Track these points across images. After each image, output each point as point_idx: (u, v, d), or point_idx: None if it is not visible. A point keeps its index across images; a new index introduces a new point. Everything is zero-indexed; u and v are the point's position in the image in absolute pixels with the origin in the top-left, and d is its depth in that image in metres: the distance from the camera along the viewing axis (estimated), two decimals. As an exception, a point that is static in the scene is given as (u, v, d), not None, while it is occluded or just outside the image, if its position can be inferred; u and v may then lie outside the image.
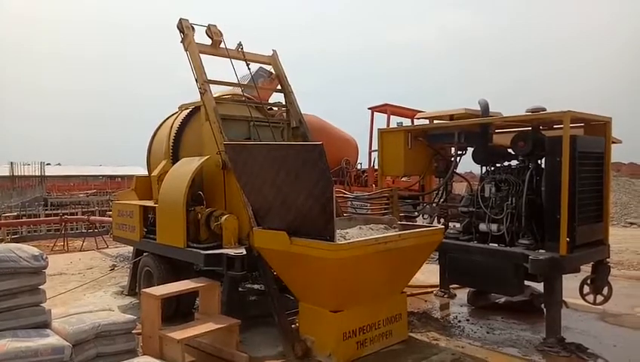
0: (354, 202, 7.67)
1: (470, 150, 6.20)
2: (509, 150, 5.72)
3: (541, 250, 5.08)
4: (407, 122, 10.92)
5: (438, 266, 6.68)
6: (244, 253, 5.11)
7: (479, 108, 5.93)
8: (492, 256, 5.32)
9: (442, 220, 6.60)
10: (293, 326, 4.97)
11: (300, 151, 4.34)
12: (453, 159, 6.47)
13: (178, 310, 5.74)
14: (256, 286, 7.23)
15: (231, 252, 5.14)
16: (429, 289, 7.16)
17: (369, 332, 4.77)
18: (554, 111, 5.05)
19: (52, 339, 3.67)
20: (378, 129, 7.16)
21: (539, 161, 5.49)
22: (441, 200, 6.68)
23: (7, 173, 30.96)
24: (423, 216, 6.86)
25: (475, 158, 6.04)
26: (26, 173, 30.72)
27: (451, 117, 6.34)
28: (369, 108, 13.04)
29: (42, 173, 31.21)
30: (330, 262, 4.23)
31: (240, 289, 6.88)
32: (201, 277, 5.30)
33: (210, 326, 4.65)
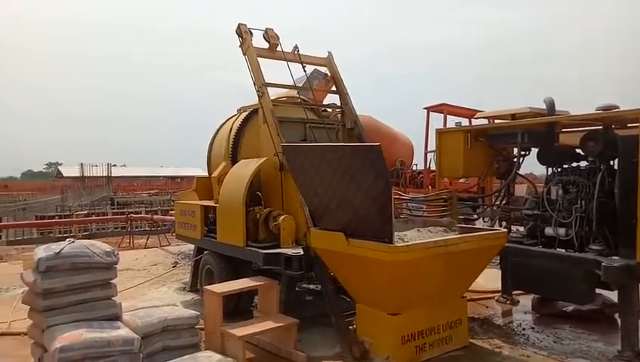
0: (410, 204, 7.54)
1: (534, 151, 5.95)
2: (578, 150, 5.43)
3: (615, 257, 4.78)
4: (464, 122, 10.61)
5: (500, 271, 6.44)
6: (302, 253, 5.15)
7: (544, 107, 5.68)
8: (560, 262, 5.06)
9: (504, 223, 6.36)
10: (350, 327, 4.96)
11: (356, 152, 4.33)
12: (515, 160, 6.22)
13: (237, 307, 5.89)
14: (312, 287, 7.28)
15: (289, 252, 5.20)
16: (491, 295, 6.90)
17: (428, 337, 4.67)
18: (628, 109, 4.74)
19: (123, 331, 3.87)
20: (436, 129, 7.00)
21: (611, 162, 5.17)
22: (503, 202, 6.43)
23: (78, 174, 33.14)
24: (483, 218, 6.64)
25: (541, 159, 5.79)
26: (95, 174, 32.74)
27: (513, 116, 6.10)
28: (424, 108, 12.77)
29: (109, 174, 33.15)
30: (389, 265, 4.19)
31: (296, 288, 6.95)
32: (259, 275, 5.41)
33: (270, 324, 4.73)
